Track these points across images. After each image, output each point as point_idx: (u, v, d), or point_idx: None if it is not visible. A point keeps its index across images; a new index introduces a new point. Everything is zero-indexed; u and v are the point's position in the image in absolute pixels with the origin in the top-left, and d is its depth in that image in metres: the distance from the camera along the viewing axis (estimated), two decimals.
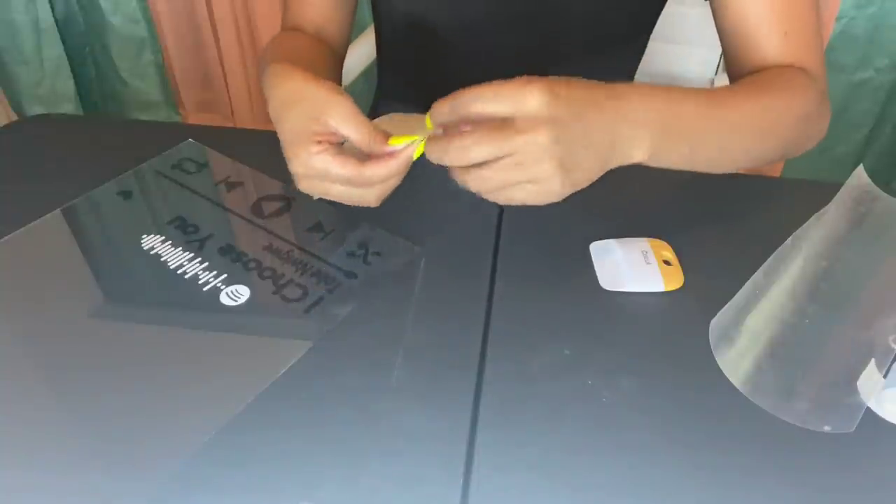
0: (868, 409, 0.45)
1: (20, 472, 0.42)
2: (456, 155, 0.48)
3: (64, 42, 1.71)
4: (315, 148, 0.51)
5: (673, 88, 0.54)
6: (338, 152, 0.52)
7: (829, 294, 0.44)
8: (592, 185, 0.59)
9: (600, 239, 0.60)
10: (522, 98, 0.46)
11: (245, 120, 1.97)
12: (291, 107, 0.53)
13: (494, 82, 0.47)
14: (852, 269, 0.43)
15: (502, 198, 0.50)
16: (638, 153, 0.52)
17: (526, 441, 0.45)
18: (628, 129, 0.50)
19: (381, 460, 0.43)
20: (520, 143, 0.46)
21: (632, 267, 0.57)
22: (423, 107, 0.88)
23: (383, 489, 0.42)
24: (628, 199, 0.66)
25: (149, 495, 0.41)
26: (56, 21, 1.68)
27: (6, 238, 0.59)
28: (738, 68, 0.67)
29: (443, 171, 0.54)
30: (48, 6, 1.65)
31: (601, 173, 0.51)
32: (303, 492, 0.42)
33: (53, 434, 0.45)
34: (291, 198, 0.64)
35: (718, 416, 0.47)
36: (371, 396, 0.47)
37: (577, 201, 0.64)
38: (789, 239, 0.47)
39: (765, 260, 0.49)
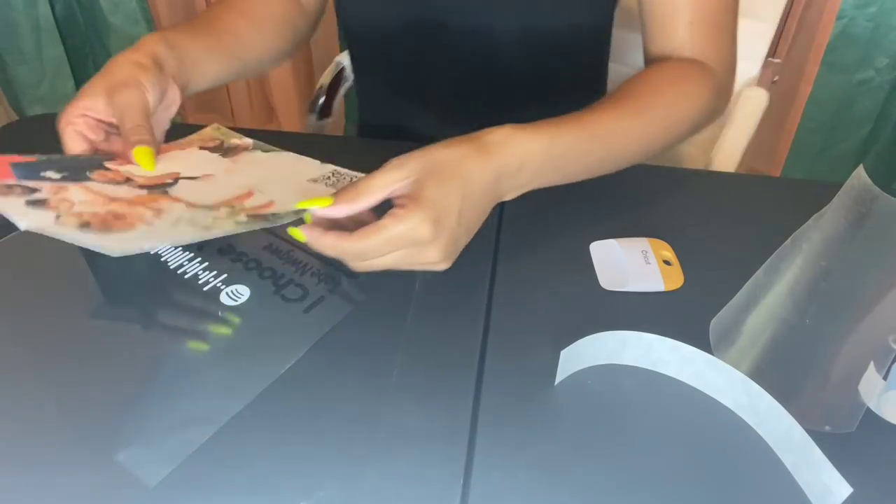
0: (868, 409, 0.45)
1: (20, 472, 0.42)
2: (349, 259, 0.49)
3: (64, 42, 1.71)
4: (78, 119, 0.56)
5: (555, 132, 0.54)
6: (80, 134, 0.56)
7: (829, 294, 0.44)
8: (592, 186, 0.60)
9: (600, 239, 0.60)
10: (410, 231, 0.46)
11: (245, 120, 1.97)
12: (111, 69, 0.57)
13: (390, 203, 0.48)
14: (852, 269, 0.43)
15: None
16: (508, 197, 0.55)
17: (526, 441, 0.45)
18: (504, 193, 0.54)
19: (381, 460, 0.43)
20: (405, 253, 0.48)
21: (632, 267, 0.57)
22: (399, 109, 0.88)
23: (383, 489, 0.42)
24: (628, 199, 0.66)
25: (148, 495, 0.41)
26: (56, 21, 1.68)
27: (6, 238, 0.59)
28: (649, 52, 0.70)
29: None
30: (48, 6, 1.65)
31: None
32: (303, 492, 0.42)
33: (53, 434, 0.45)
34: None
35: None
36: (371, 396, 0.47)
37: (577, 201, 0.64)
38: (789, 239, 0.47)
39: (765, 260, 0.49)
